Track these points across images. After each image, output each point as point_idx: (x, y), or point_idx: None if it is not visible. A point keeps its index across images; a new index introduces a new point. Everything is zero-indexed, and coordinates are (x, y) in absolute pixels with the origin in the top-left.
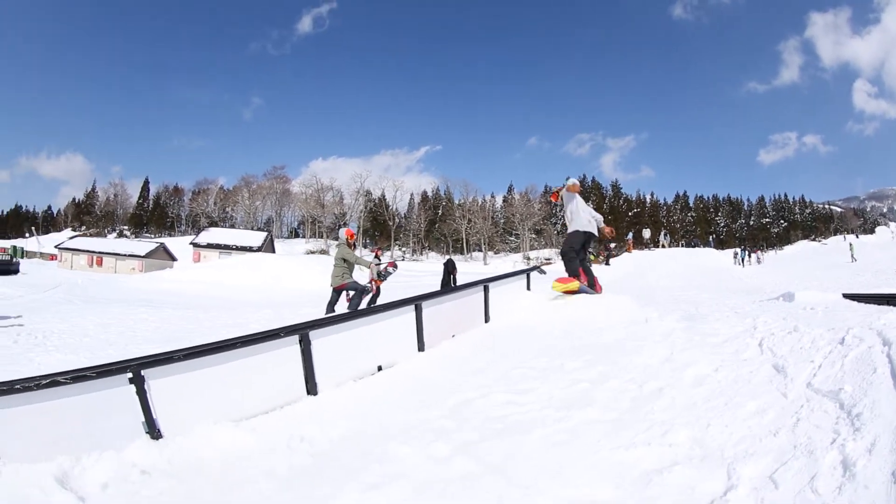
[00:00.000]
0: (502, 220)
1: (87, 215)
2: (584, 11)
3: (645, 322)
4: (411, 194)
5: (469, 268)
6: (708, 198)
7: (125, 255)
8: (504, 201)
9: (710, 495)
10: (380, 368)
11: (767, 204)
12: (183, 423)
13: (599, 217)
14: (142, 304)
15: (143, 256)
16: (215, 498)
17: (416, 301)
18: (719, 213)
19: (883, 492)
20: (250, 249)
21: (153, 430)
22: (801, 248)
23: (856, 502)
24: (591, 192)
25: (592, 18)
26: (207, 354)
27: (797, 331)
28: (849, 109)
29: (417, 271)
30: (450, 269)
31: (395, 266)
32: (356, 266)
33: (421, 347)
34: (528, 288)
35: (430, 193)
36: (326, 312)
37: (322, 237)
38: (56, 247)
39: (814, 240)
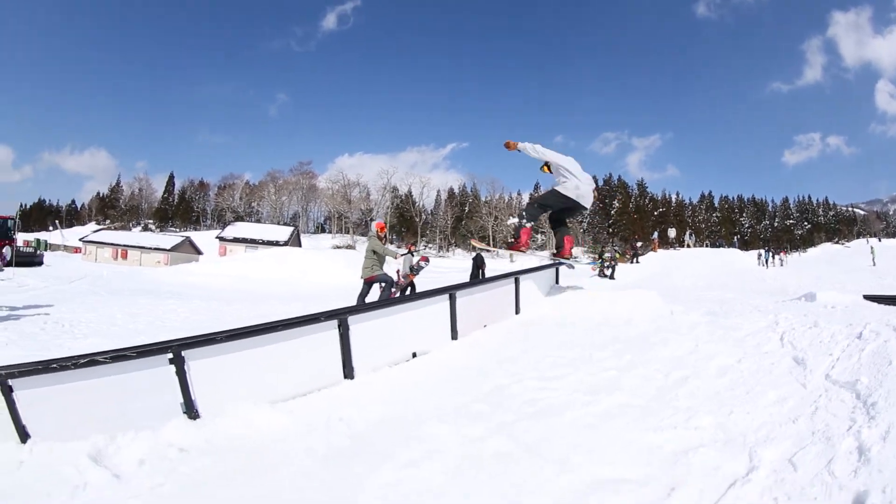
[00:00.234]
0: None
1: (112, 209)
2: (607, 10)
3: (670, 316)
4: (438, 191)
5: (496, 265)
6: (733, 198)
7: (150, 249)
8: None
9: (734, 475)
10: (414, 355)
11: (791, 205)
12: (221, 404)
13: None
14: (169, 295)
15: (169, 250)
16: (256, 474)
17: (451, 291)
18: (744, 214)
19: None
20: (276, 244)
21: (191, 411)
22: (824, 251)
23: (870, 485)
24: (616, 190)
25: (616, 17)
26: (249, 336)
27: (817, 326)
28: (872, 110)
29: (444, 268)
30: (479, 263)
31: (427, 260)
32: (386, 258)
33: (454, 336)
34: (557, 282)
35: (456, 190)
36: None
37: (348, 233)
38: (80, 239)
39: (837, 242)
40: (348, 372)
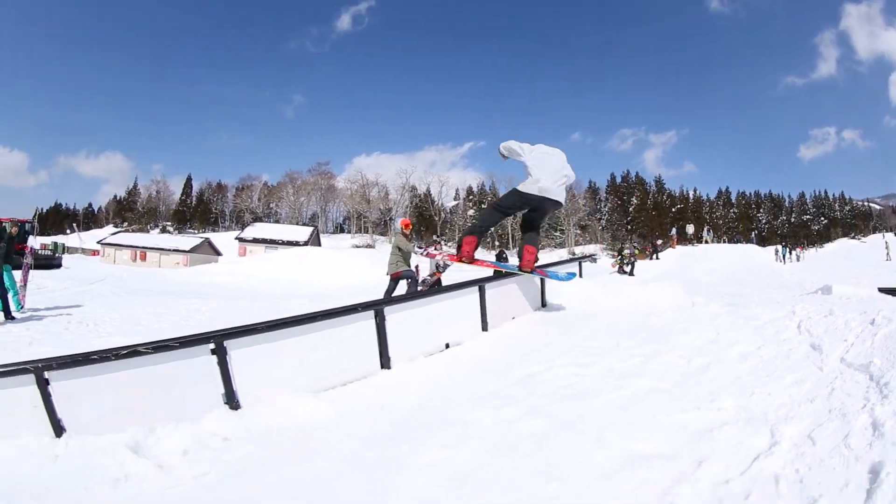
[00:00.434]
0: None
1: (129, 212)
2: (621, 7)
3: (692, 307)
4: (456, 189)
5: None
6: (750, 194)
7: (169, 250)
8: None
9: (757, 450)
10: (447, 346)
11: (808, 200)
12: (262, 394)
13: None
14: (191, 295)
15: (188, 251)
16: (300, 459)
17: (480, 283)
18: (761, 210)
19: None
20: (296, 244)
21: (232, 401)
22: (841, 246)
23: (885, 456)
24: (634, 187)
25: (630, 14)
26: (289, 327)
27: (832, 314)
28: (886, 104)
29: (466, 267)
30: (501, 260)
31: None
32: (411, 255)
33: (485, 327)
34: (580, 275)
35: (475, 189)
36: None
37: (368, 232)
38: (98, 242)
39: (853, 238)
40: (385, 362)
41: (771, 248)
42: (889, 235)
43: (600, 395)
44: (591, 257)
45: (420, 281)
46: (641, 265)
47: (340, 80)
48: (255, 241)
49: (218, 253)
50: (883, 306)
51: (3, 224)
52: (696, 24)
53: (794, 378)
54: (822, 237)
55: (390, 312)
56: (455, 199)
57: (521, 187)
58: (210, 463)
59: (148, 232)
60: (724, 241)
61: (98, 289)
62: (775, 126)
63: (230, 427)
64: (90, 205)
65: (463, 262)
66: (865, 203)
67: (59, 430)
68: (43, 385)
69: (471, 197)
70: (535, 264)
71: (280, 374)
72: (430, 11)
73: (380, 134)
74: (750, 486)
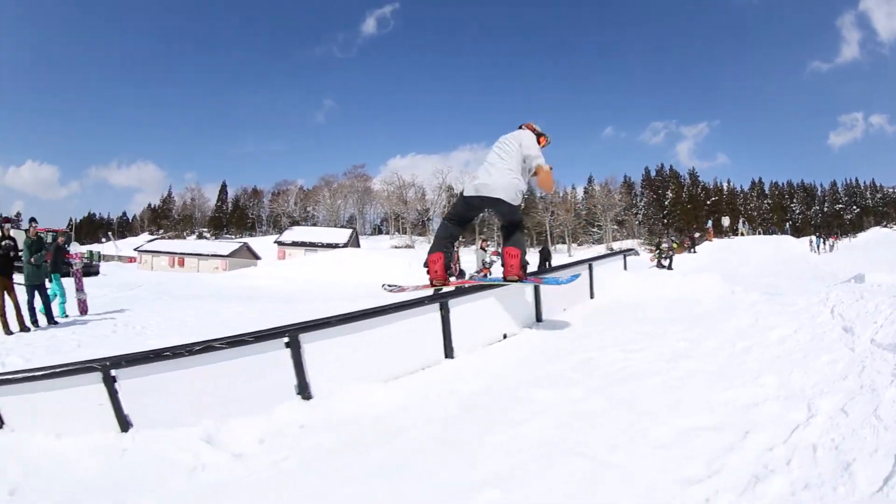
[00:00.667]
0: (584, 212)
1: (165, 219)
2: (641, 2)
3: (732, 295)
4: None
5: (555, 259)
6: (783, 184)
7: (208, 255)
8: (585, 193)
9: (796, 421)
10: (504, 336)
11: (840, 189)
12: (333, 385)
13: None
14: (234, 298)
15: (227, 256)
16: (379, 442)
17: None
18: (794, 200)
19: None
20: (336, 246)
21: (304, 392)
22: (873, 235)
23: None
24: (669, 181)
25: (651, 9)
26: (361, 320)
27: (863, 298)
28: None
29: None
30: (545, 256)
31: (498, 255)
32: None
33: (539, 318)
34: (625, 268)
35: None
36: None
37: (406, 233)
38: (135, 249)
39: (885, 226)
40: (449, 352)
41: (805, 239)
42: None
43: (652, 377)
44: (632, 252)
45: (468, 277)
46: (679, 258)
47: (370, 83)
48: (295, 244)
49: (257, 257)
50: None
51: (51, 234)
52: (718, 13)
53: (828, 358)
54: (855, 226)
55: (454, 305)
56: None
57: (470, 191)
58: (289, 449)
59: (184, 238)
60: (760, 233)
61: (139, 294)
62: (803, 113)
63: (305, 416)
64: (124, 213)
65: (435, 285)
66: None
67: (125, 425)
68: (110, 382)
69: None
70: (527, 270)
71: (351, 365)
72: (454, 11)
73: (413, 135)
74: (790, 453)
